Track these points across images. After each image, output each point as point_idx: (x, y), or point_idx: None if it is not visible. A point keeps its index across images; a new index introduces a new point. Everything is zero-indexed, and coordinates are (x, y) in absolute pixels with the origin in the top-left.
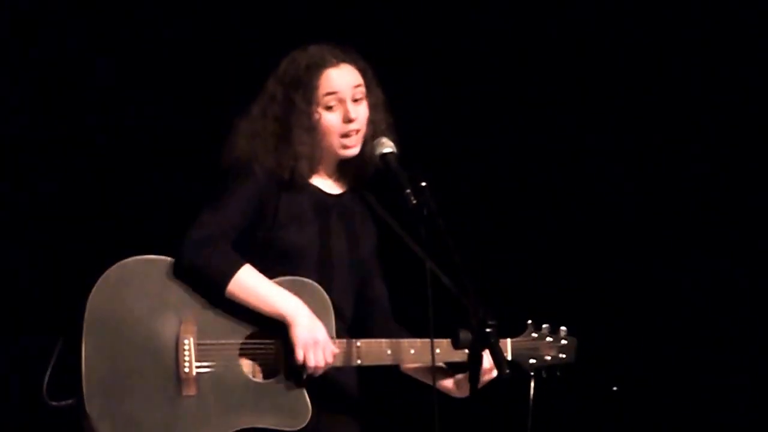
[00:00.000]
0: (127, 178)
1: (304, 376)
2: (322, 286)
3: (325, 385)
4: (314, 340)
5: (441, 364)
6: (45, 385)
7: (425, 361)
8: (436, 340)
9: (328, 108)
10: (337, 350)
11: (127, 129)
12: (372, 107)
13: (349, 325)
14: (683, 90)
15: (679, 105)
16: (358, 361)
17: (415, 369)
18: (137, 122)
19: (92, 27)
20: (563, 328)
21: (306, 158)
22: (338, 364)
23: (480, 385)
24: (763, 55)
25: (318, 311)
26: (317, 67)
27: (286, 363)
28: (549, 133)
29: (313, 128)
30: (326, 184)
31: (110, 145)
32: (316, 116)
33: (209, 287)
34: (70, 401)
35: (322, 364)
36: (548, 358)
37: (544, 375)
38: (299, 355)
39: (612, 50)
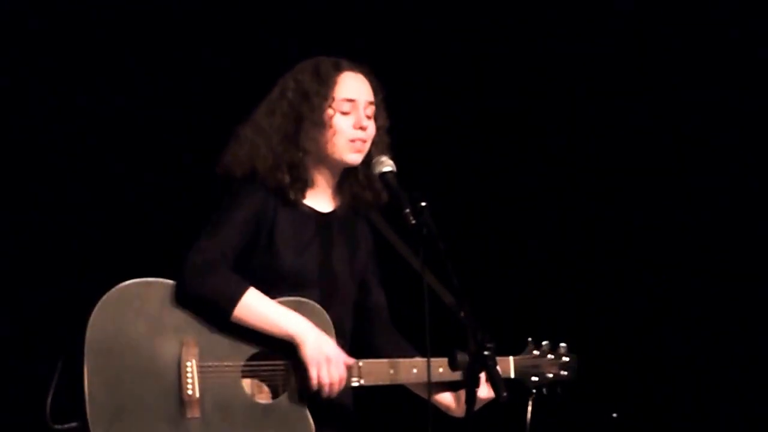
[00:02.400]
0: (126, 199)
1: (323, 394)
2: (323, 306)
3: (320, 403)
4: (326, 358)
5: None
6: (48, 408)
7: (426, 379)
8: (438, 359)
9: (343, 112)
10: (350, 361)
11: (127, 152)
12: (377, 129)
13: (350, 341)
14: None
15: (680, 118)
16: (361, 381)
17: (416, 384)
18: (138, 145)
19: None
20: (563, 344)
21: (312, 155)
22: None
23: (477, 407)
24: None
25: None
26: (336, 68)
27: (289, 383)
28: (549, 151)
29: (324, 125)
30: (318, 202)
31: (112, 168)
32: (330, 113)
33: (214, 312)
34: (73, 424)
35: (336, 379)
36: (550, 375)
37: (544, 392)
38: (313, 374)
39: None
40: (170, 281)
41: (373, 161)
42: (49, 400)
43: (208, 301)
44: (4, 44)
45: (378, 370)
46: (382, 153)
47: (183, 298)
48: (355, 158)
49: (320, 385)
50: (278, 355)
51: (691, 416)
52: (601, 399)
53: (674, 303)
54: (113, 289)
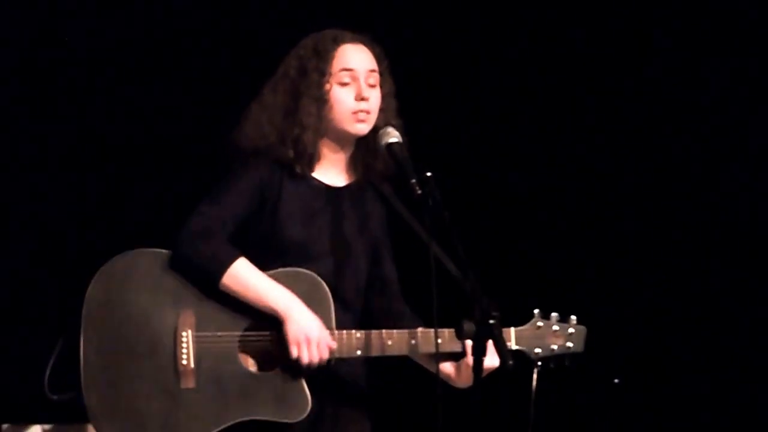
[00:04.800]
0: (125, 171)
1: (301, 372)
2: (332, 279)
3: (329, 378)
4: (306, 337)
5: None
6: (46, 379)
7: (426, 350)
8: (438, 330)
9: (342, 84)
10: (334, 344)
11: (127, 122)
12: (384, 96)
13: (359, 314)
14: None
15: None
16: (358, 353)
17: (419, 355)
18: (138, 115)
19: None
20: (573, 317)
21: (311, 130)
22: (339, 355)
23: (483, 375)
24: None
25: (315, 302)
26: (334, 41)
27: (285, 355)
28: (555, 120)
29: (323, 99)
30: (329, 176)
31: (111, 138)
32: (327, 87)
33: (204, 279)
34: (71, 394)
35: (316, 359)
36: (554, 347)
37: (551, 365)
38: (293, 352)
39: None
40: (169, 251)
41: (379, 132)
42: (47, 370)
43: (198, 267)
44: None
45: (375, 342)
46: (391, 119)
47: (176, 264)
48: (360, 128)
49: (298, 363)
50: (275, 326)
51: (697, 388)
52: (607, 371)
53: (683, 276)
54: (111, 260)
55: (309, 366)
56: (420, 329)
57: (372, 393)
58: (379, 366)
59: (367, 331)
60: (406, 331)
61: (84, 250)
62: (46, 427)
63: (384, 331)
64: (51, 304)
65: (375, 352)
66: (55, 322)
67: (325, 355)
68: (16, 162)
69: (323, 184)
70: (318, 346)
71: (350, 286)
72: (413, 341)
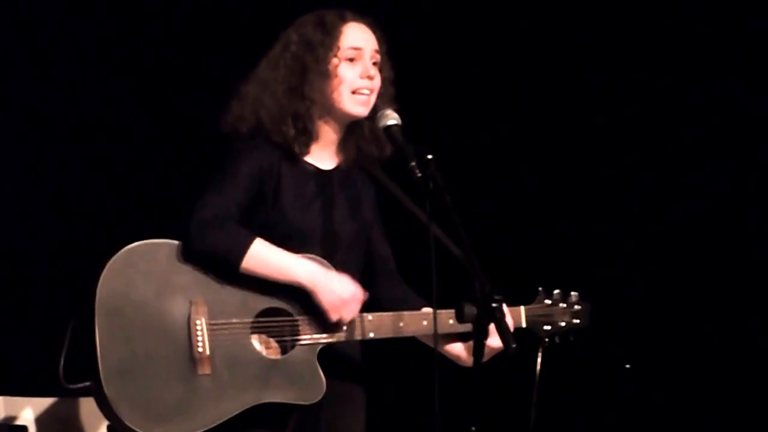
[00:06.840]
0: (133, 163)
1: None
2: (328, 262)
3: (328, 358)
4: (341, 300)
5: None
6: (61, 369)
7: (439, 331)
8: (449, 311)
9: (349, 60)
10: (363, 296)
11: (133, 113)
12: (383, 80)
13: None
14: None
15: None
16: (371, 335)
17: (426, 336)
18: (143, 106)
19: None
20: (574, 293)
21: (317, 105)
22: (350, 338)
23: (487, 357)
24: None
25: None
26: (341, 18)
27: (298, 338)
28: (556, 100)
29: (329, 75)
30: (320, 160)
31: (119, 129)
32: (336, 61)
33: (222, 266)
34: (87, 383)
35: (353, 316)
36: (563, 324)
37: (557, 340)
38: (333, 318)
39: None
40: (177, 242)
41: (378, 115)
42: (62, 360)
43: (216, 255)
44: None
45: (387, 323)
46: (387, 105)
47: (190, 254)
48: (360, 110)
49: (340, 324)
50: (286, 310)
51: (703, 365)
52: (612, 346)
53: (689, 251)
54: (121, 251)
55: (349, 323)
56: (430, 310)
57: (367, 373)
58: (375, 346)
59: (379, 314)
60: (417, 312)
61: (93, 240)
62: (39, 400)
63: (394, 313)
64: (62, 294)
65: (387, 334)
66: (67, 312)
67: (358, 308)
68: (26, 151)
69: (315, 167)
70: (353, 303)
71: (348, 269)
72: (425, 322)
